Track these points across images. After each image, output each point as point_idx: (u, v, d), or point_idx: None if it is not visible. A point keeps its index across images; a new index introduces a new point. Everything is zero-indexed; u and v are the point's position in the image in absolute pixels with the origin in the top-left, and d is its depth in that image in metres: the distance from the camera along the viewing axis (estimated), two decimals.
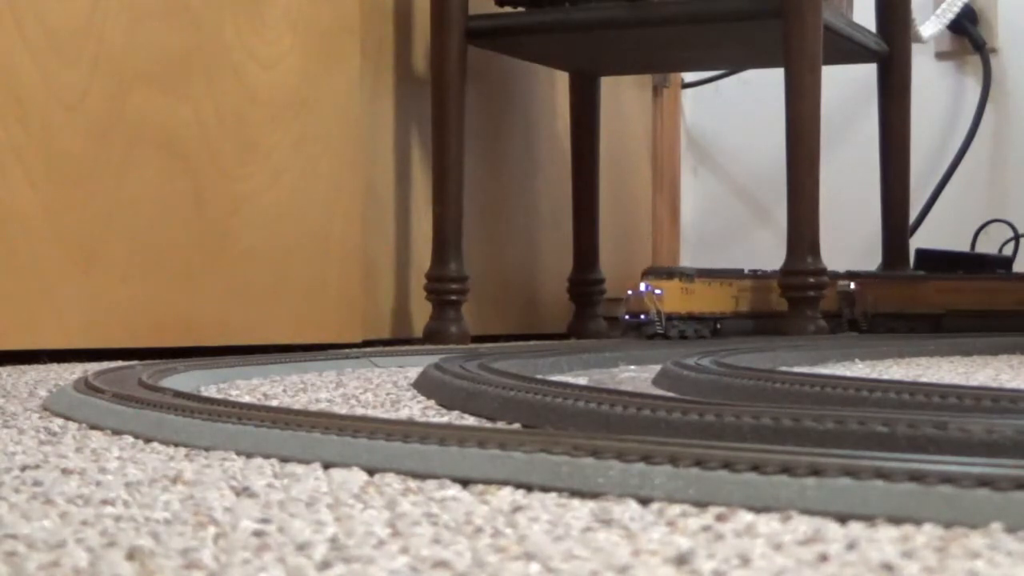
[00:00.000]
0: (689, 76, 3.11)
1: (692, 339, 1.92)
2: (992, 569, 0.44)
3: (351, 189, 2.08)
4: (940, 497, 0.51)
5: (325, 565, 0.45)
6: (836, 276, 2.17)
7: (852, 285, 2.21)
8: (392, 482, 0.64)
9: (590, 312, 2.49)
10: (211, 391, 1.17)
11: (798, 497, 0.54)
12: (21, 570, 0.45)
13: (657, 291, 1.88)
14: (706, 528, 0.51)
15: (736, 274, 2.09)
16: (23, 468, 0.70)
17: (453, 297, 2.13)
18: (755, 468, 0.57)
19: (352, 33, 2.09)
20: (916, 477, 0.53)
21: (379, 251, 2.18)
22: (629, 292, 1.91)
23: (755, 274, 2.14)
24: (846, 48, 2.27)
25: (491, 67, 2.40)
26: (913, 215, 2.65)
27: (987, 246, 2.74)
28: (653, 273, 1.95)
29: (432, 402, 1.08)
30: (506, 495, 0.61)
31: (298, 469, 0.69)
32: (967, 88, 2.97)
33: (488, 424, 0.92)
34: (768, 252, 2.49)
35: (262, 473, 0.68)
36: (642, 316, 1.88)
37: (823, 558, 0.45)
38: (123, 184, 1.76)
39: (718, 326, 2.01)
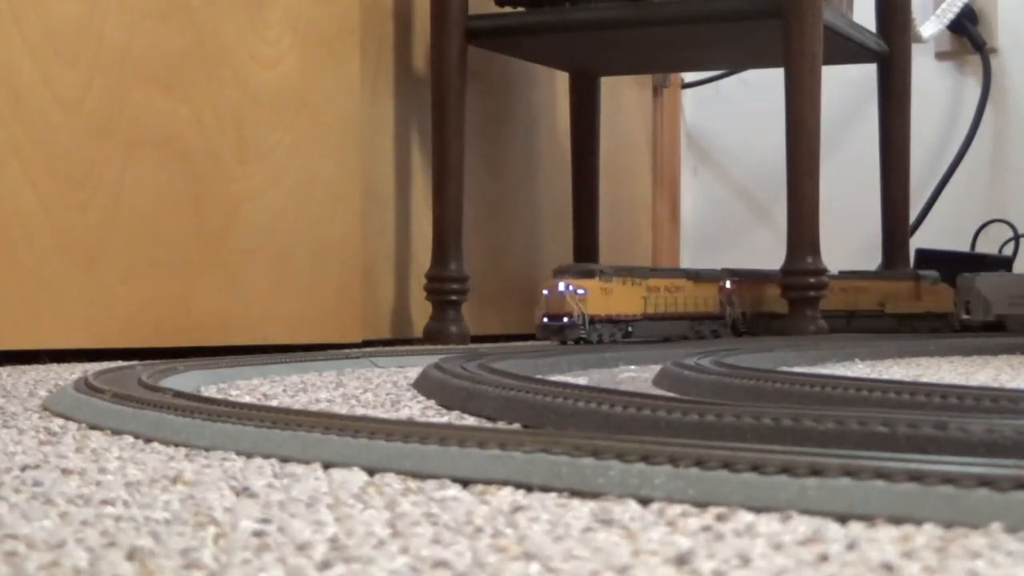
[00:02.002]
0: (689, 76, 3.11)
1: (607, 343, 1.78)
2: (992, 569, 0.43)
3: (351, 189, 2.08)
4: (940, 497, 0.51)
5: (325, 565, 0.45)
6: (716, 275, 2.06)
7: (727, 284, 2.07)
8: (392, 482, 0.64)
9: None
10: (211, 391, 1.17)
11: (798, 497, 0.54)
12: (21, 570, 0.45)
13: (579, 291, 1.75)
14: (706, 528, 0.51)
15: (644, 272, 1.94)
16: (23, 468, 0.70)
17: (453, 297, 2.13)
18: (755, 468, 0.57)
19: (352, 33, 2.09)
20: (916, 477, 0.53)
21: (379, 251, 2.18)
22: (545, 292, 1.77)
23: (665, 272, 2.01)
24: (846, 48, 2.27)
25: (491, 67, 2.40)
26: (913, 215, 2.65)
27: (987, 246, 2.74)
28: (571, 271, 1.81)
29: (432, 402, 1.08)
30: (506, 495, 0.61)
31: (298, 469, 0.69)
32: (967, 88, 2.97)
33: (488, 424, 0.92)
34: (768, 252, 2.49)
35: (262, 473, 0.68)
36: (564, 319, 1.74)
37: (823, 558, 0.45)
38: (123, 184, 1.76)
39: (629, 329, 1.86)
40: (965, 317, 2.22)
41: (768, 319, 2.13)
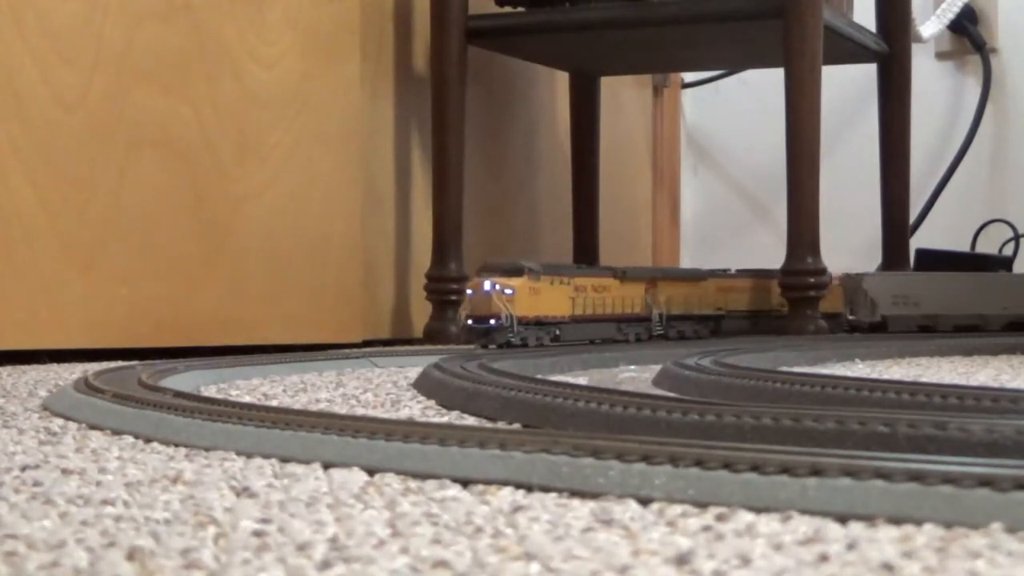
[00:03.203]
0: (689, 76, 3.11)
1: (533, 348, 1.67)
2: (992, 569, 0.43)
3: (351, 189, 2.08)
4: (940, 497, 0.51)
5: (325, 565, 0.45)
6: (643, 274, 1.94)
7: (648, 284, 1.95)
8: (392, 482, 0.64)
9: None
10: (211, 391, 1.17)
11: (798, 497, 0.54)
12: (21, 570, 0.45)
13: (507, 291, 1.63)
14: (706, 528, 0.51)
15: (572, 270, 1.82)
16: (23, 468, 0.70)
17: (453, 297, 2.13)
18: (755, 468, 0.57)
19: (352, 33, 2.09)
20: (916, 477, 0.53)
21: (379, 251, 2.18)
22: (470, 292, 1.65)
23: (591, 270, 1.88)
24: (846, 48, 2.27)
25: (491, 67, 2.40)
26: (913, 215, 2.65)
27: (987, 246, 2.74)
28: (498, 269, 1.68)
29: (432, 402, 1.08)
30: (506, 495, 0.61)
31: (298, 469, 0.69)
32: (967, 88, 2.97)
33: (488, 424, 0.92)
34: (768, 252, 2.49)
35: (262, 473, 0.68)
36: (492, 321, 1.62)
37: (823, 558, 0.45)
38: (123, 184, 1.76)
39: (557, 332, 1.74)
40: (851, 318, 2.16)
41: (696, 322, 2.01)
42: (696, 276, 2.05)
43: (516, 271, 1.66)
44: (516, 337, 1.64)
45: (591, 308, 1.82)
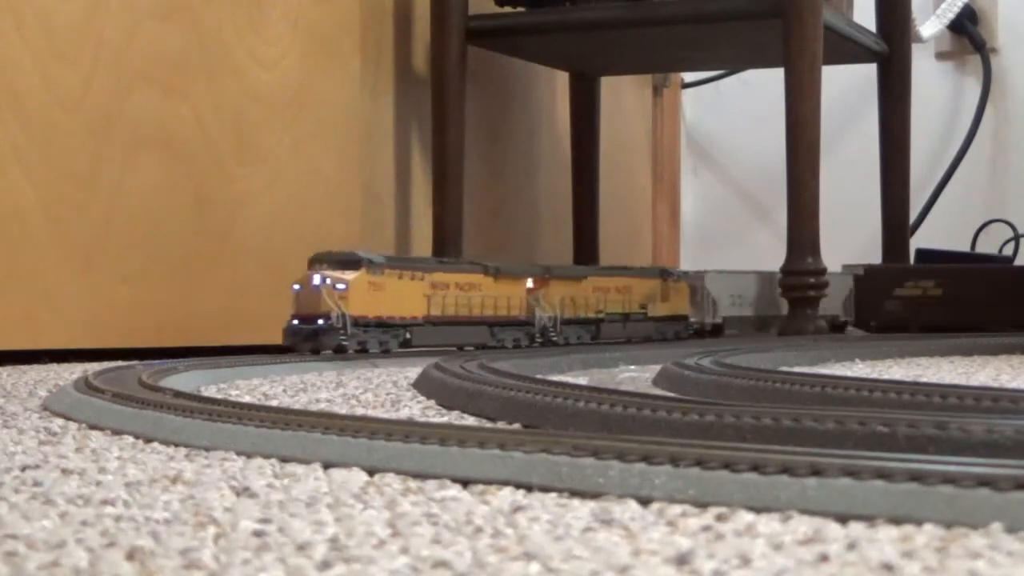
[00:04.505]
0: (689, 76, 3.11)
1: (376, 353, 1.51)
2: (992, 569, 0.43)
3: (351, 189, 2.08)
4: (940, 497, 0.51)
5: (325, 565, 0.45)
6: (521, 271, 1.75)
7: (530, 283, 1.74)
8: (392, 482, 0.64)
9: None
10: (211, 391, 1.17)
11: (798, 497, 0.54)
12: (21, 570, 0.45)
13: (339, 285, 1.45)
14: (706, 528, 0.51)
15: (428, 264, 1.62)
16: (23, 468, 0.70)
17: None
18: (755, 468, 0.57)
19: (352, 33, 2.09)
20: (916, 477, 0.53)
21: (378, 250, 2.18)
22: (296, 287, 1.47)
23: (456, 266, 1.68)
24: (846, 48, 2.27)
25: (491, 67, 2.40)
26: (913, 215, 2.65)
27: (987, 246, 2.74)
28: (329, 260, 1.48)
29: (432, 402, 1.08)
30: (506, 495, 0.61)
31: (298, 469, 0.69)
32: (967, 88, 2.97)
33: (488, 424, 0.92)
34: (768, 252, 2.49)
35: (262, 473, 0.68)
36: (319, 321, 1.44)
37: (823, 558, 0.45)
38: (123, 184, 1.76)
39: (408, 335, 1.56)
40: (694, 320, 2.02)
41: (593, 325, 1.84)
42: (579, 275, 1.86)
43: (352, 263, 1.48)
44: (351, 341, 1.46)
45: (454, 309, 1.61)
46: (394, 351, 1.54)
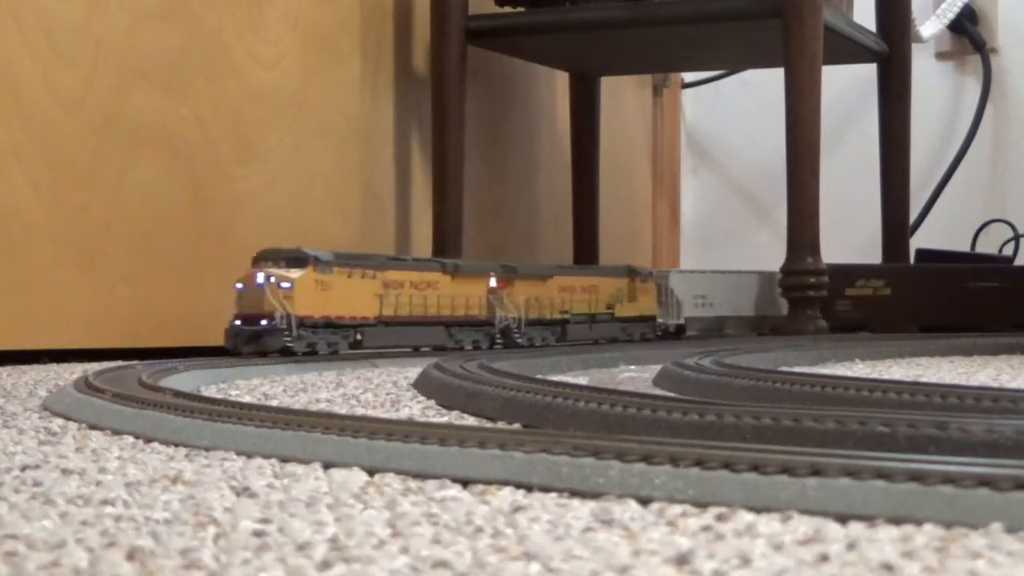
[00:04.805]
0: (689, 76, 3.11)
1: (324, 356, 1.44)
2: (992, 569, 0.43)
3: (351, 189, 2.08)
4: (940, 497, 0.51)
5: (325, 565, 0.45)
6: (482, 269, 1.67)
7: (493, 282, 1.67)
8: (392, 482, 0.64)
9: None
10: (211, 391, 1.17)
11: (798, 497, 0.54)
12: (21, 570, 0.45)
13: (284, 284, 1.37)
14: (706, 528, 0.51)
15: (379, 262, 1.53)
16: (23, 468, 0.70)
17: None
18: (755, 468, 0.57)
19: (352, 33, 2.09)
20: (916, 477, 0.53)
21: (379, 251, 2.18)
22: (239, 286, 1.40)
23: (411, 263, 1.59)
24: (846, 48, 2.27)
25: (491, 67, 2.40)
26: (913, 215, 2.65)
27: (987, 246, 2.74)
28: (274, 257, 1.41)
29: (432, 402, 1.08)
30: (506, 495, 0.61)
31: (298, 469, 0.69)
32: (967, 88, 2.97)
33: (488, 424, 0.92)
34: (768, 252, 2.49)
35: (262, 473, 0.68)
36: (263, 321, 1.37)
37: (823, 558, 0.45)
38: (123, 184, 1.76)
39: (358, 336, 1.48)
40: (660, 321, 1.95)
41: (558, 326, 1.77)
42: (544, 274, 1.77)
43: (298, 260, 1.40)
44: (298, 343, 1.38)
45: (408, 308, 1.53)
46: (343, 352, 1.46)
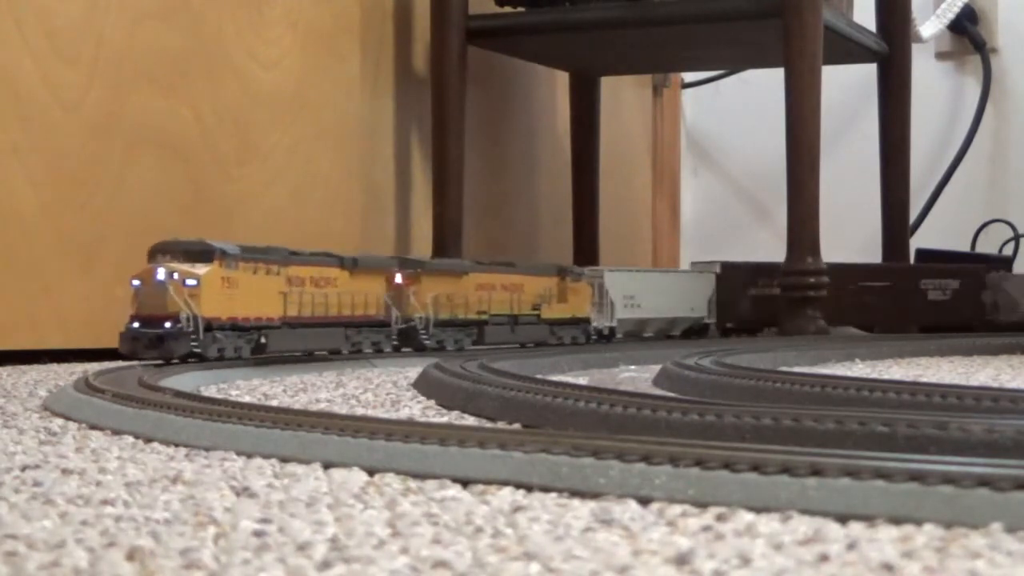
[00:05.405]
0: (689, 76, 3.11)
1: (230, 360, 1.29)
2: (992, 569, 0.43)
3: (351, 189, 2.08)
4: (940, 497, 0.51)
5: (325, 565, 0.45)
6: (383, 264, 1.52)
7: (399, 278, 1.52)
8: (392, 482, 0.64)
9: None
10: (211, 391, 1.17)
11: (798, 497, 0.54)
12: (21, 570, 0.45)
13: (189, 281, 1.22)
14: (706, 528, 0.51)
15: (282, 256, 1.36)
16: (23, 468, 0.70)
17: None
18: (755, 468, 0.57)
19: (352, 33, 2.09)
20: (916, 477, 0.53)
21: (379, 251, 2.18)
22: (136, 283, 1.24)
23: (310, 257, 1.41)
24: (846, 48, 2.27)
25: (491, 67, 2.40)
26: (913, 215, 2.65)
27: (987, 246, 2.74)
28: (176, 250, 1.25)
29: (432, 402, 1.08)
30: (506, 495, 0.61)
31: (298, 469, 0.69)
32: (967, 88, 2.97)
33: (488, 424, 0.92)
34: (768, 252, 2.49)
35: (262, 473, 0.68)
36: (166, 324, 1.21)
37: (823, 558, 0.45)
38: (123, 184, 1.76)
39: (262, 340, 1.32)
40: (596, 324, 1.83)
41: (474, 327, 1.63)
42: (457, 270, 1.62)
43: (203, 254, 1.24)
44: (207, 349, 1.23)
45: (311, 308, 1.38)
46: (245, 359, 1.31)
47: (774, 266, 2.13)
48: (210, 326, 1.23)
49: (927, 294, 2.23)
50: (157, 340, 1.22)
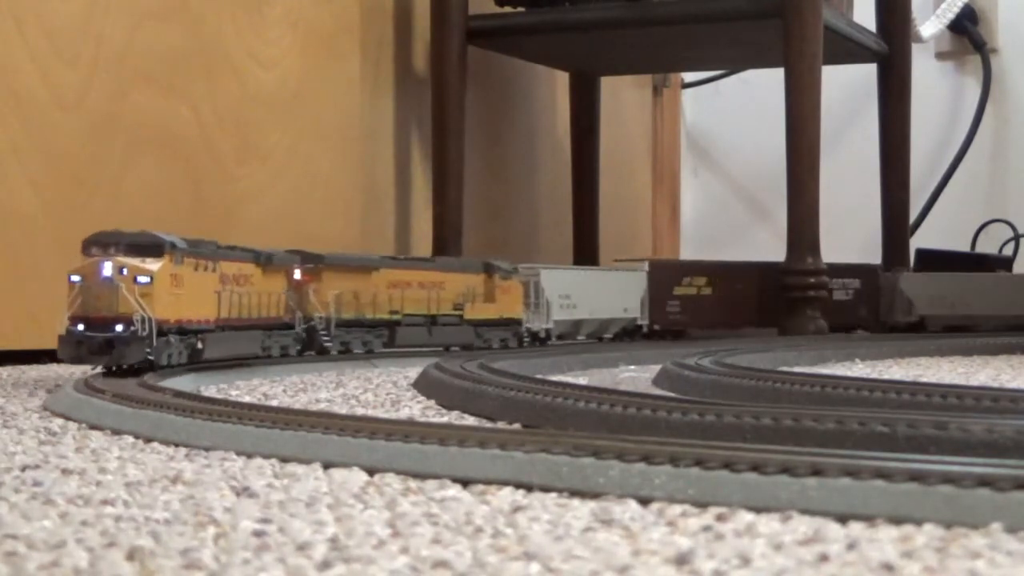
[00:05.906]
0: (689, 76, 3.11)
1: (175, 365, 1.16)
2: (992, 569, 0.43)
3: (351, 189, 2.08)
4: (940, 497, 0.51)
5: (325, 565, 0.45)
6: (288, 260, 1.37)
7: (297, 274, 1.38)
8: (392, 482, 0.64)
9: None
10: (211, 391, 1.17)
11: (799, 497, 0.54)
12: (21, 570, 0.45)
13: (141, 279, 1.09)
14: (706, 528, 0.51)
15: (213, 250, 1.22)
16: (23, 468, 0.70)
17: None
18: (755, 468, 0.57)
19: (352, 33, 2.09)
20: (916, 477, 0.53)
21: (379, 251, 2.18)
22: (76, 279, 1.11)
23: (236, 252, 1.28)
24: (846, 48, 2.27)
25: (491, 67, 2.40)
26: (913, 215, 2.65)
27: (987, 246, 2.74)
28: (123, 243, 1.11)
29: (432, 402, 1.08)
30: (506, 495, 0.61)
31: (298, 469, 0.69)
32: (967, 88, 2.97)
33: (488, 424, 0.92)
34: (768, 252, 2.49)
35: (262, 473, 0.68)
36: (118, 327, 1.07)
37: (823, 558, 0.45)
38: (123, 184, 1.76)
39: (199, 345, 1.19)
40: (529, 325, 1.73)
41: (384, 328, 1.51)
42: (364, 265, 1.49)
43: (152, 248, 1.11)
44: (159, 355, 1.10)
45: (238, 309, 1.25)
46: (184, 365, 1.19)
47: (693, 265, 2.10)
48: (162, 330, 1.10)
49: (832, 294, 2.19)
50: (107, 345, 1.07)
